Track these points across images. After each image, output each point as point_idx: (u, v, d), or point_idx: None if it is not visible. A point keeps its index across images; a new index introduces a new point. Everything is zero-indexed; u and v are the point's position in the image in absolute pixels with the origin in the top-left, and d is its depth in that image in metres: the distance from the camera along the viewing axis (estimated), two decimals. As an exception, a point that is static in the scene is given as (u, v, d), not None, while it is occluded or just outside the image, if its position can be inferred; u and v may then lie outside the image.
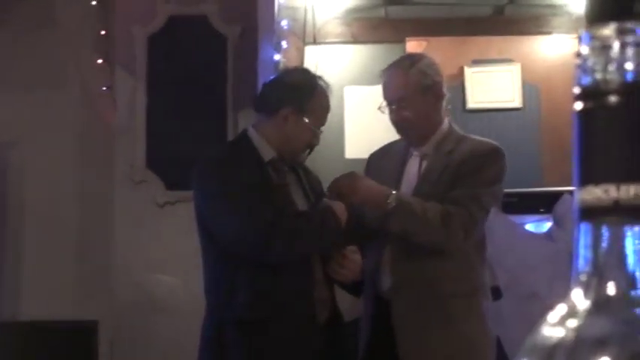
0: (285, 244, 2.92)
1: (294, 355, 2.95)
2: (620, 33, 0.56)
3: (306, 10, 5.44)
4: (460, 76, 5.83)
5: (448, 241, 3.04)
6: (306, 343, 2.96)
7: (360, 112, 5.45)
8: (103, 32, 4.65)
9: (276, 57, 4.68)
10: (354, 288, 3.17)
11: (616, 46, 0.55)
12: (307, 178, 3.21)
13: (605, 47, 0.56)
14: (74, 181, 4.72)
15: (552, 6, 5.73)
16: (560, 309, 0.57)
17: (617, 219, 0.56)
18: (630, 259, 0.56)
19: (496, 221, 3.66)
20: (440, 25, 5.91)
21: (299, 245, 2.96)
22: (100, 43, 4.65)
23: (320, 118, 3.13)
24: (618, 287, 0.55)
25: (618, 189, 0.55)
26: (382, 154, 3.36)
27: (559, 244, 4.12)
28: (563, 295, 0.58)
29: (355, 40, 6.07)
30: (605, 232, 0.56)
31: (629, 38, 0.55)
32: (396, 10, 5.93)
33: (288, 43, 5.22)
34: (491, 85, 5.79)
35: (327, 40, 5.99)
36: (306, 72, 3.31)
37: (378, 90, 3.30)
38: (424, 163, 3.21)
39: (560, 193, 4.32)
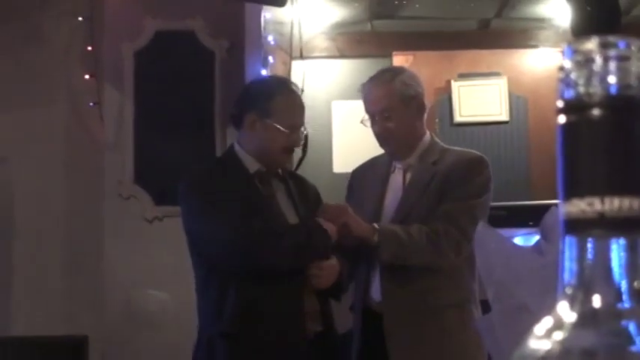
0: (274, 256, 2.92)
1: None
2: (603, 47, 0.56)
3: (292, 25, 5.46)
4: (447, 89, 5.85)
5: (440, 259, 3.05)
6: (295, 357, 2.95)
7: (348, 127, 5.46)
8: (90, 48, 4.65)
9: (263, 72, 4.69)
10: (334, 291, 3.12)
11: (598, 59, 0.56)
12: (300, 189, 3.20)
13: (588, 61, 0.56)
14: (63, 197, 4.70)
15: (538, 19, 5.76)
16: (547, 322, 0.58)
17: (603, 232, 0.56)
18: (616, 272, 0.56)
19: (484, 233, 3.65)
20: (426, 39, 5.93)
21: (289, 257, 2.96)
22: (88, 59, 4.65)
23: (288, 118, 3.08)
24: (604, 300, 0.56)
25: (602, 202, 0.55)
26: (365, 170, 3.36)
27: (547, 256, 4.12)
28: (553, 308, 0.58)
29: (342, 55, 6.10)
30: (590, 244, 0.56)
31: (612, 52, 0.56)
32: (382, 25, 5.95)
33: (274, 58, 5.24)
34: (479, 98, 5.81)
35: (313, 55, 6.01)
36: (268, 77, 3.31)
37: (365, 104, 3.31)
38: (408, 175, 3.20)
39: (549, 206, 4.32)
